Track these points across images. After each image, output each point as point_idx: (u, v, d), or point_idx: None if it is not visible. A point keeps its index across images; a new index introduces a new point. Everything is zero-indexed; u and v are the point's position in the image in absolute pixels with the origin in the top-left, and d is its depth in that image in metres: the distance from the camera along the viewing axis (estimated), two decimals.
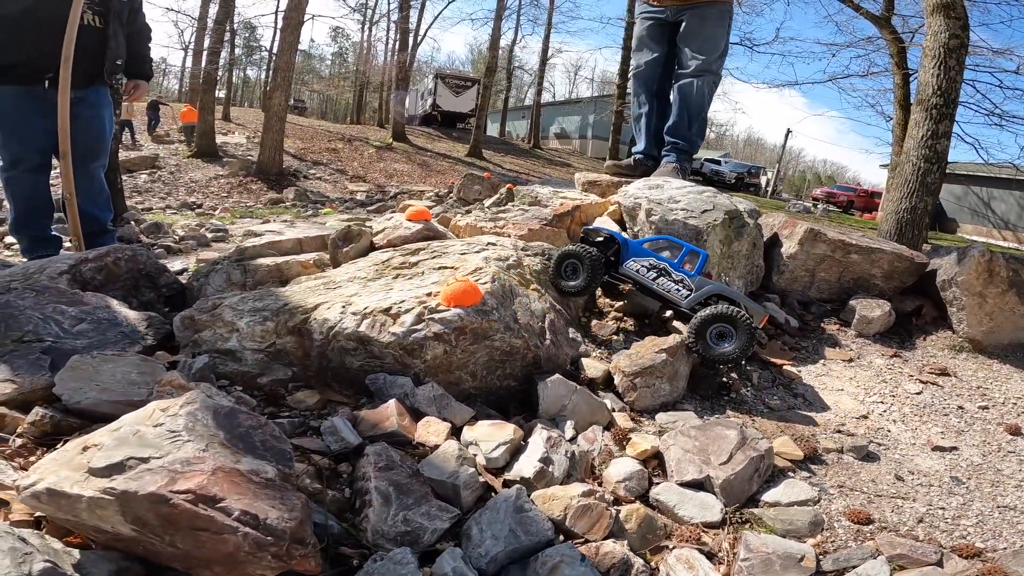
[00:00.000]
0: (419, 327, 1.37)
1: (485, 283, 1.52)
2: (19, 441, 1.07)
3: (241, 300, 1.51)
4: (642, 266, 1.87)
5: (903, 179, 5.85)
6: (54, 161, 2.96)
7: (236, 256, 1.93)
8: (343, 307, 1.42)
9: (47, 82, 2.70)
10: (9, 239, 4.13)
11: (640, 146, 3.39)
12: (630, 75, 3.51)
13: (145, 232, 4.80)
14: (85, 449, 0.76)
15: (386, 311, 1.39)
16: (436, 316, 1.39)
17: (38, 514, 0.80)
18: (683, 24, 3.13)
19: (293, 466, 0.94)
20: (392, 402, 1.30)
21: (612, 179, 3.17)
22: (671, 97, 3.29)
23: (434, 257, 1.75)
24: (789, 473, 1.56)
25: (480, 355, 1.47)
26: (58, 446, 1.06)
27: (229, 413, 0.92)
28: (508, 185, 7.52)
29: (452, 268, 1.64)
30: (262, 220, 6.77)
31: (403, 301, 1.42)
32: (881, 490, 1.55)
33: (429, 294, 1.46)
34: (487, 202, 7.73)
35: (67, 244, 3.31)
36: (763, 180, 23.86)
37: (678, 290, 1.86)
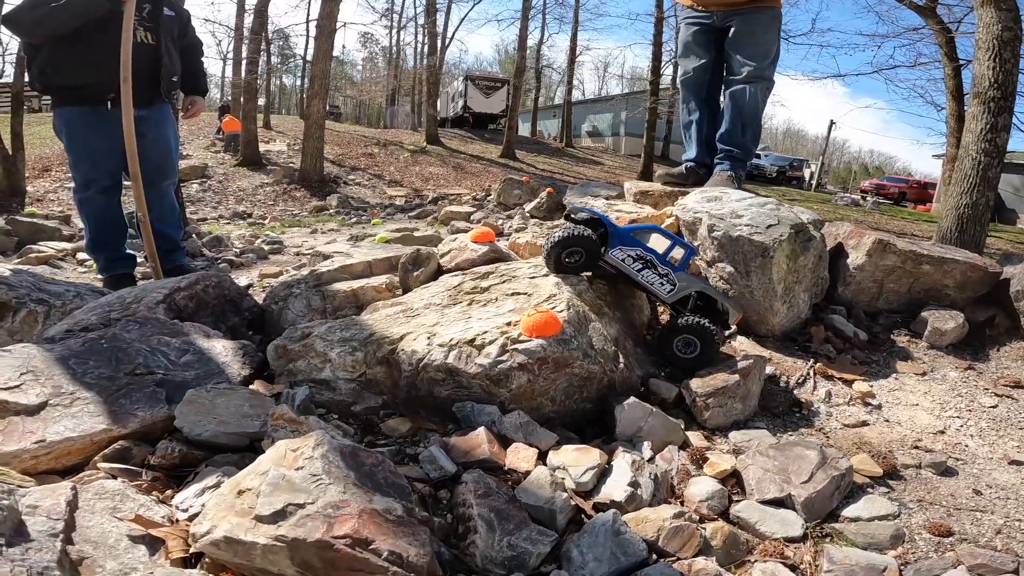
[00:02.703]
0: (504, 358, 1.43)
1: (562, 311, 1.57)
2: (150, 474, 1.17)
3: (329, 330, 1.59)
4: (628, 255, 1.84)
5: (963, 174, 5.64)
6: (126, 181, 3.03)
7: (313, 282, 2.02)
8: (428, 338, 1.48)
9: (109, 102, 2.71)
10: (82, 255, 4.36)
11: (691, 154, 3.34)
12: (678, 82, 3.47)
13: (207, 246, 5.02)
14: (240, 493, 0.84)
15: (470, 342, 1.45)
16: (520, 347, 1.45)
17: (192, 551, 0.88)
18: (731, 29, 3.06)
19: (412, 500, 1.01)
20: (481, 430, 1.37)
21: (664, 189, 3.15)
22: (722, 104, 3.24)
23: (504, 282, 1.80)
24: (868, 489, 1.59)
25: (560, 382, 1.51)
26: (189, 479, 1.15)
27: (352, 452, 0.99)
28: (548, 189, 7.54)
29: (525, 294, 1.69)
30: (311, 229, 6.98)
31: (486, 332, 1.48)
32: (960, 504, 1.56)
33: (509, 323, 1.51)
34: (527, 207, 7.78)
35: (139, 258, 3.44)
36: (806, 173, 23.11)
37: (662, 284, 1.85)
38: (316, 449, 0.97)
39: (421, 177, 15.42)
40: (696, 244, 2.37)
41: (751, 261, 2.14)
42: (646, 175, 17.22)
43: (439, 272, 2.06)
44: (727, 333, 2.22)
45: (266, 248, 5.01)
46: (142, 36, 2.78)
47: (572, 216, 1.98)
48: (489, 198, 8.90)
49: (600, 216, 1.88)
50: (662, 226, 2.59)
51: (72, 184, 3.09)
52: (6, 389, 1.28)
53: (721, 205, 2.35)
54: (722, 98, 3.25)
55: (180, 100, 3.32)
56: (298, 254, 4.99)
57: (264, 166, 14.16)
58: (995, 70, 5.48)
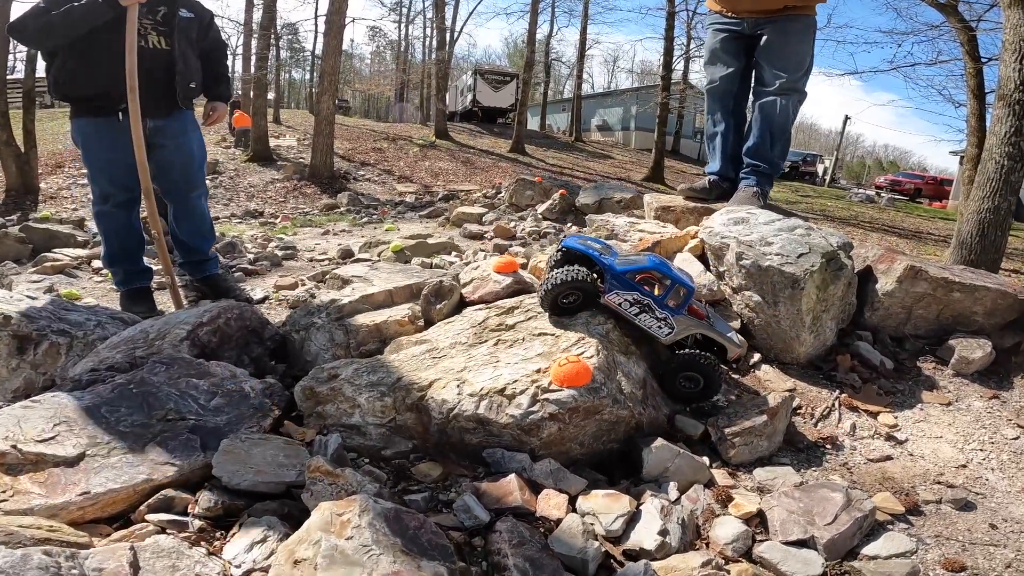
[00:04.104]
0: (535, 408, 1.42)
1: (591, 357, 1.55)
2: (196, 523, 1.19)
3: (356, 373, 1.59)
4: (625, 300, 1.80)
5: (985, 177, 5.56)
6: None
7: (336, 314, 2.01)
8: (458, 386, 1.48)
9: (120, 113, 2.57)
10: (97, 263, 4.35)
11: (714, 166, 3.26)
12: (704, 90, 3.38)
13: (222, 251, 5.03)
14: (296, 563, 0.87)
15: (501, 391, 1.45)
16: (550, 397, 1.44)
17: None
18: (763, 38, 2.95)
19: (455, 561, 1.01)
20: (512, 477, 1.37)
21: (687, 204, 3.11)
22: (750, 115, 3.13)
23: (530, 319, 1.79)
24: (888, 526, 1.60)
25: (590, 427, 1.51)
26: (233, 530, 1.17)
27: (396, 516, 1.01)
28: (561, 191, 7.47)
29: (552, 335, 1.67)
30: (323, 230, 6.99)
31: (516, 380, 1.47)
32: (975, 538, 1.59)
33: (538, 370, 1.50)
34: (540, 208, 7.70)
35: (157, 267, 3.36)
36: (820, 168, 22.88)
37: (659, 327, 1.83)
38: (363, 516, 0.98)
39: (431, 172, 15.40)
40: (723, 270, 2.34)
41: (780, 292, 2.11)
42: (657, 170, 17.13)
43: (462, 303, 2.05)
44: (751, 363, 2.21)
45: (279, 254, 5.02)
46: (155, 41, 2.64)
47: (566, 250, 1.92)
48: (500, 196, 8.87)
49: (596, 258, 1.83)
50: (686, 249, 2.57)
51: (91, 196, 3.01)
52: (41, 441, 1.28)
53: (749, 229, 2.32)
54: (749, 110, 3.16)
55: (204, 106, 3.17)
56: (311, 260, 5.00)
57: (274, 161, 14.20)
58: (1021, 72, 5.39)
